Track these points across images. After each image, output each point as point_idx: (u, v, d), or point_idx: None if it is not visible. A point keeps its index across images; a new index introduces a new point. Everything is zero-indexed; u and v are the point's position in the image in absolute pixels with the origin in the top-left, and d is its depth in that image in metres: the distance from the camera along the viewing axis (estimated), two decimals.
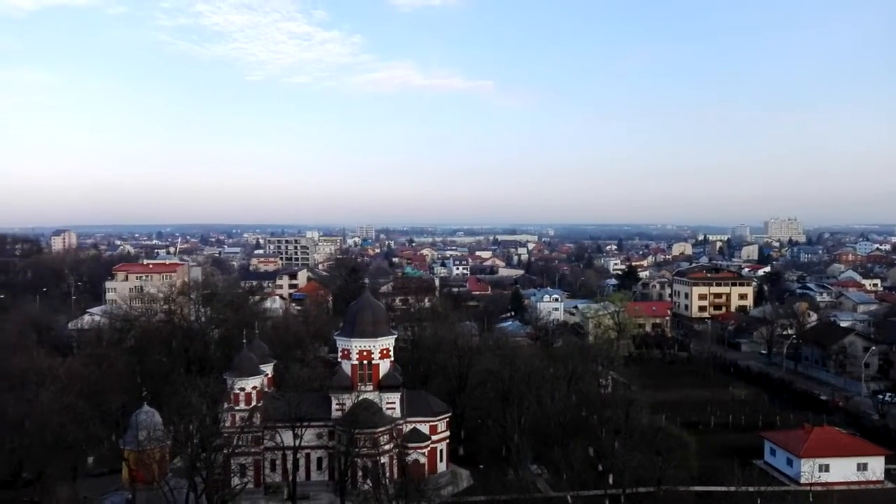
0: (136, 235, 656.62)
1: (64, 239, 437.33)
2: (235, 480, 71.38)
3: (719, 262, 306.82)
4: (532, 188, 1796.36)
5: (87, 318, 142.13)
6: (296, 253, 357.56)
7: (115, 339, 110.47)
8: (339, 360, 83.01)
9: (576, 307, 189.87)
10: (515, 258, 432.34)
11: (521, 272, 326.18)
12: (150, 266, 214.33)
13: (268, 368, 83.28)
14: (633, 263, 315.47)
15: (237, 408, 76.33)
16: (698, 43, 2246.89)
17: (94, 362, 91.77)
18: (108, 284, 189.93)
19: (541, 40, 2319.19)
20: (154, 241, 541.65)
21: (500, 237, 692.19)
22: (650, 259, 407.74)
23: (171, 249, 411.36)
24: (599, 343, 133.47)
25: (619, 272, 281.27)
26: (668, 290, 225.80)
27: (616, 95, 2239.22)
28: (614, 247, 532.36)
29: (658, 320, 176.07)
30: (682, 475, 70.00)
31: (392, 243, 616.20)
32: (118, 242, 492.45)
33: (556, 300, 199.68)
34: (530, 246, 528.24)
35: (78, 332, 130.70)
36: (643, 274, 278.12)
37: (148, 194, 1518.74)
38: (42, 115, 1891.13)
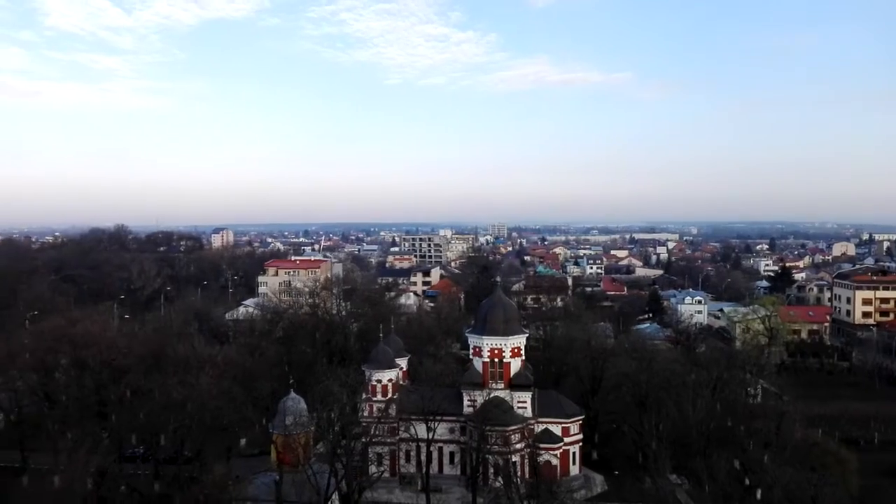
0: (286, 233, 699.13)
1: (222, 237, 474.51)
2: (373, 469, 74.08)
3: (887, 264, 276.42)
4: (673, 183, 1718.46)
5: (241, 309, 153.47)
6: (429, 251, 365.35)
7: (265, 329, 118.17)
8: (471, 356, 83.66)
9: (721, 310, 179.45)
10: (654, 257, 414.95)
11: (659, 272, 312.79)
12: (298, 262, 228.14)
13: (403, 362, 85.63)
14: (788, 264, 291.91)
15: (374, 399, 79.21)
16: (851, 26, 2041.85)
17: (248, 351, 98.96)
18: (261, 279, 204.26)
19: (681, 30, 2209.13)
20: (301, 239, 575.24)
21: (637, 235, 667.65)
22: (806, 260, 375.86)
23: (316, 247, 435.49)
24: (748, 349, 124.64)
25: (771, 274, 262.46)
26: (827, 294, 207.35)
27: (764, 84, 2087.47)
28: (765, 246, 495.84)
29: (815, 326, 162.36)
30: (840, 495, 63.67)
31: (524, 241, 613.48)
32: (270, 240, 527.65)
33: (700, 302, 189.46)
34: (670, 245, 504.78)
35: (234, 322, 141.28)
36: (798, 276, 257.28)
37: (296, 195, 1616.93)
38: (202, 122, 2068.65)
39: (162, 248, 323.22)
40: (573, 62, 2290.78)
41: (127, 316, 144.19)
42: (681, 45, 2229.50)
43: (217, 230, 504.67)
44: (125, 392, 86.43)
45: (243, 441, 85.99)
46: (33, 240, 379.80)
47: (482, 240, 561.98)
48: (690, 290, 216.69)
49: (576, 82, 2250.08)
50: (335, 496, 66.84)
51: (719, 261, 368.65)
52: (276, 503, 64.34)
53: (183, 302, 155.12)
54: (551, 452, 78.26)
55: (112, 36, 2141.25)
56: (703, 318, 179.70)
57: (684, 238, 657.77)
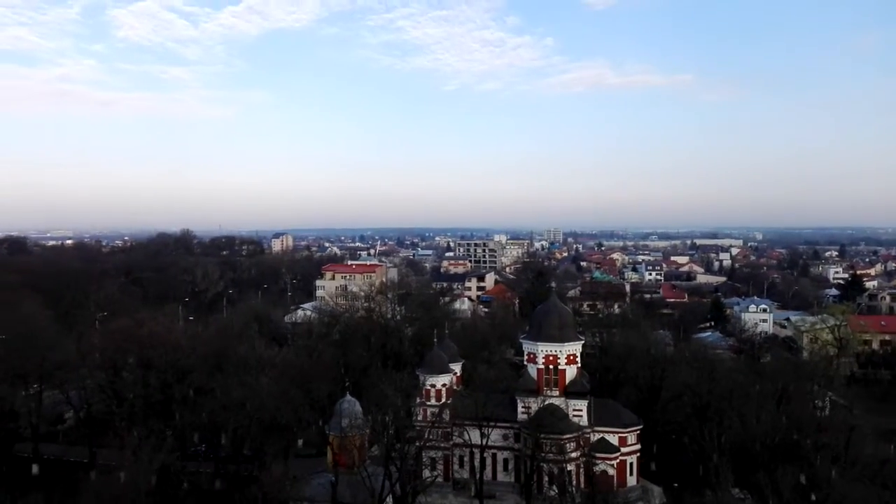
0: (342, 238, 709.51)
1: (282, 241, 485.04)
2: (426, 473, 74.39)
3: None
4: (737, 188, 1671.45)
5: (299, 312, 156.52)
6: (484, 256, 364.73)
7: (322, 332, 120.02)
8: (525, 363, 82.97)
9: (787, 319, 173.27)
10: (716, 264, 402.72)
11: (722, 279, 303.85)
12: (354, 266, 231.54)
13: (457, 367, 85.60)
14: (858, 272, 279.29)
15: (428, 403, 79.43)
16: None
17: (305, 353, 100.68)
18: (318, 282, 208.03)
19: (745, 30, 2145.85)
20: (357, 244, 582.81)
21: (698, 241, 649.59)
22: (879, 267, 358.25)
23: (372, 251, 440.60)
24: (815, 360, 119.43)
25: (841, 281, 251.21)
26: None
27: (833, 85, 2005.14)
28: (835, 253, 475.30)
29: (888, 337, 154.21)
30: None
31: (580, 247, 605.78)
32: (327, 244, 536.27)
33: (765, 311, 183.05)
34: (734, 251, 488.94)
35: (292, 324, 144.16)
36: (870, 284, 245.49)
37: (353, 200, 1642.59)
38: (263, 130, 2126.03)
39: (225, 252, 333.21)
40: (633, 64, 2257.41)
41: (191, 317, 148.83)
42: (745, 45, 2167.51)
43: (277, 235, 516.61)
44: (188, 391, 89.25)
45: (300, 441, 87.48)
46: (104, 244, 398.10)
47: (537, 245, 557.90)
48: (755, 297, 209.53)
49: (636, 84, 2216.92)
50: (389, 499, 67.32)
51: (786, 268, 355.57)
52: (331, 503, 65.26)
53: (244, 304, 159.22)
54: (608, 462, 76.78)
55: (179, 47, 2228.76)
56: (768, 328, 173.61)
57: (748, 244, 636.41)
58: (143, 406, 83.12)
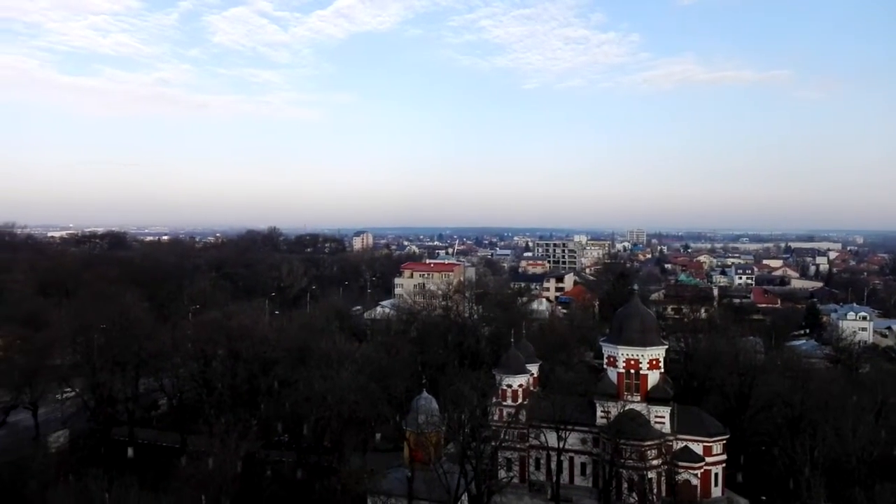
0: (421, 237, 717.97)
1: (363, 239, 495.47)
2: (502, 473, 73.96)
3: None
4: (835, 188, 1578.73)
5: (379, 309, 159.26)
6: (563, 256, 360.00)
7: (401, 329, 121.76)
8: (605, 366, 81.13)
9: (889, 328, 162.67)
10: (812, 268, 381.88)
11: (818, 285, 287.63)
12: (432, 265, 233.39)
13: (533, 368, 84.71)
14: None
15: (504, 403, 78.98)
16: None
17: (384, 349, 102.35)
18: (397, 280, 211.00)
19: (846, 23, 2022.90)
20: (435, 243, 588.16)
21: (793, 244, 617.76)
22: None
23: (450, 250, 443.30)
24: None
25: None
26: None
27: None
28: None
29: None
30: None
31: (665, 249, 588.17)
32: (406, 243, 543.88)
33: (864, 318, 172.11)
34: (832, 255, 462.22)
35: (371, 321, 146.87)
36: None
37: (432, 199, 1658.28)
38: (348, 132, 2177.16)
39: (309, 250, 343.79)
40: (723, 60, 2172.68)
41: (276, 312, 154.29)
42: (844, 40, 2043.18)
43: (358, 233, 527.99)
44: (273, 383, 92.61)
45: (378, 435, 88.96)
46: (197, 240, 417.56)
47: (619, 246, 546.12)
48: (854, 304, 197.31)
49: (726, 81, 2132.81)
50: (465, 497, 67.39)
51: (888, 273, 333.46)
52: (407, 498, 65.96)
53: (326, 300, 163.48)
54: (691, 471, 74.01)
55: (270, 51, 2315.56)
56: (867, 336, 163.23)
57: (848, 248, 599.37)
58: (230, 395, 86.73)
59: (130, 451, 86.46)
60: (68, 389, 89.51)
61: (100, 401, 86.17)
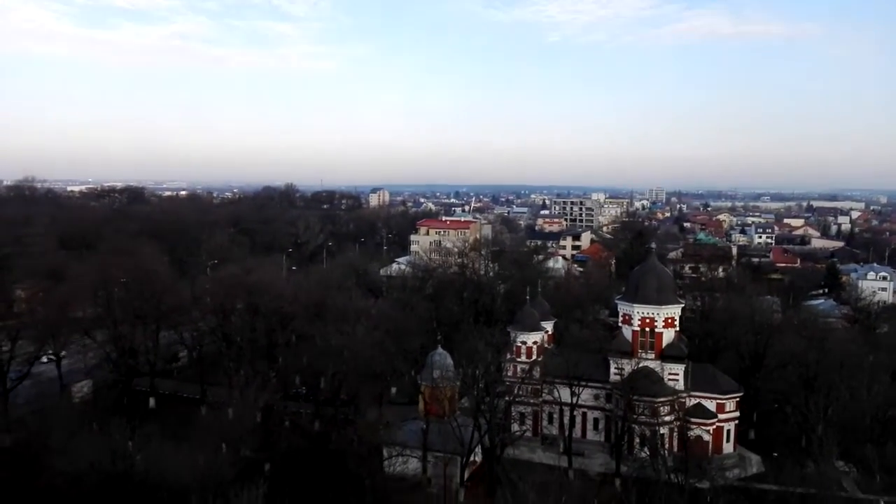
0: (437, 194, 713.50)
1: (379, 196, 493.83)
2: (515, 427, 75.08)
3: None
4: (860, 147, 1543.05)
5: (394, 266, 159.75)
6: (580, 214, 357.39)
7: (416, 286, 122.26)
8: (620, 324, 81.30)
9: None
10: (834, 228, 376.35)
11: (839, 244, 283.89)
12: (448, 222, 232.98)
13: (548, 326, 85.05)
14: None
15: (519, 360, 79.69)
16: None
17: (399, 306, 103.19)
18: (413, 237, 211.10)
19: None
20: (452, 200, 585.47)
21: (815, 203, 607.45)
22: None
23: (466, 208, 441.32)
24: None
25: None
26: None
27: None
28: None
29: None
30: None
31: (684, 207, 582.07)
32: (422, 200, 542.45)
33: (885, 279, 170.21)
34: (854, 214, 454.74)
35: (387, 278, 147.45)
36: None
37: (448, 157, 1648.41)
38: (363, 86, 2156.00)
39: (325, 206, 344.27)
40: (752, 13, 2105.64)
41: (294, 268, 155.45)
42: None
43: (374, 190, 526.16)
44: (291, 337, 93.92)
45: (394, 389, 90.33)
46: (214, 195, 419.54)
47: (637, 205, 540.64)
48: (875, 264, 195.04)
49: (753, 35, 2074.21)
50: (478, 449, 68.62)
51: None
52: (422, 450, 67.30)
53: (342, 257, 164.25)
54: (703, 427, 74.61)
55: (286, 3, 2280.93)
56: (887, 297, 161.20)
57: (871, 207, 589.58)
58: (249, 349, 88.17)
59: (152, 402, 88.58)
60: (90, 340, 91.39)
61: (121, 353, 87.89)
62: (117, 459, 52.14)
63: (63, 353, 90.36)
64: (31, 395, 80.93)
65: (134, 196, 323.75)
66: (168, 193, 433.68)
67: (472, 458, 67.23)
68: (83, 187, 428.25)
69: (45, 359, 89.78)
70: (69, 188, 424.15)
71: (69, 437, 55.52)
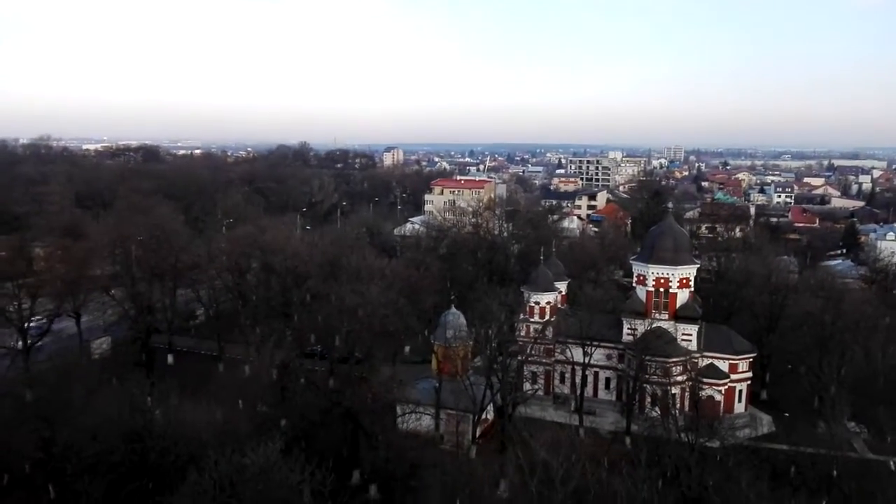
0: (452, 153, 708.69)
1: (393, 155, 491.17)
2: (527, 386, 75.75)
3: None
4: (885, 104, 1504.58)
5: (408, 226, 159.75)
6: (597, 173, 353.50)
7: (430, 246, 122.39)
8: (634, 284, 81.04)
9: None
10: (855, 187, 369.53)
11: (860, 204, 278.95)
12: (462, 182, 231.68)
13: (562, 286, 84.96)
14: None
15: (532, 320, 79.85)
16: None
17: (413, 265, 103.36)
18: (427, 197, 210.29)
19: None
20: (466, 159, 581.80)
21: (836, 162, 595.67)
22: None
23: (481, 167, 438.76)
24: None
25: None
26: None
27: None
28: None
29: None
30: None
31: (703, 166, 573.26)
32: (436, 159, 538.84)
33: None
34: (876, 173, 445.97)
35: (401, 237, 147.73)
36: None
37: (463, 115, 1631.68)
38: (376, 43, 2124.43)
39: (339, 165, 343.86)
40: None
41: (308, 227, 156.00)
42: None
43: (388, 149, 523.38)
44: (306, 295, 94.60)
45: (407, 348, 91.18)
46: (228, 154, 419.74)
47: (655, 163, 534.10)
48: (894, 224, 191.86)
49: None
50: (490, 407, 69.41)
51: None
52: (435, 407, 68.19)
53: (357, 216, 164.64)
54: (715, 388, 74.84)
55: None
56: None
57: (893, 166, 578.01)
58: (265, 307, 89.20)
59: (170, 358, 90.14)
60: (109, 298, 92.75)
61: (140, 310, 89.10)
62: (136, 414, 53.24)
63: (82, 310, 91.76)
64: (52, 350, 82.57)
65: (149, 154, 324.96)
66: (182, 152, 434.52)
67: (483, 416, 68.09)
68: (98, 146, 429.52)
69: (65, 316, 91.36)
70: (84, 147, 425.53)
71: (90, 393, 56.67)
